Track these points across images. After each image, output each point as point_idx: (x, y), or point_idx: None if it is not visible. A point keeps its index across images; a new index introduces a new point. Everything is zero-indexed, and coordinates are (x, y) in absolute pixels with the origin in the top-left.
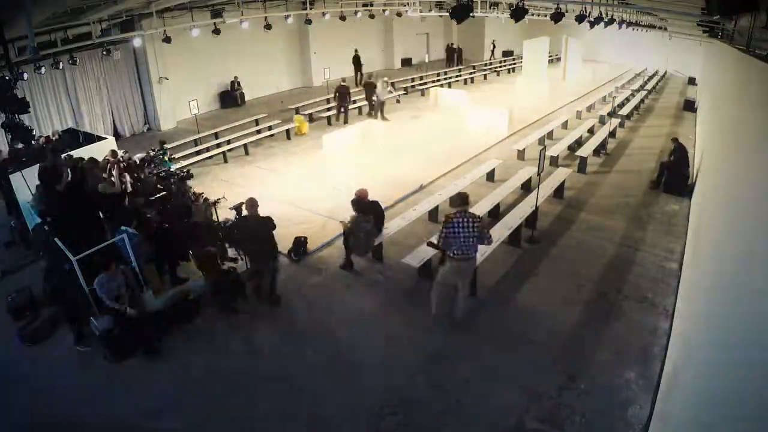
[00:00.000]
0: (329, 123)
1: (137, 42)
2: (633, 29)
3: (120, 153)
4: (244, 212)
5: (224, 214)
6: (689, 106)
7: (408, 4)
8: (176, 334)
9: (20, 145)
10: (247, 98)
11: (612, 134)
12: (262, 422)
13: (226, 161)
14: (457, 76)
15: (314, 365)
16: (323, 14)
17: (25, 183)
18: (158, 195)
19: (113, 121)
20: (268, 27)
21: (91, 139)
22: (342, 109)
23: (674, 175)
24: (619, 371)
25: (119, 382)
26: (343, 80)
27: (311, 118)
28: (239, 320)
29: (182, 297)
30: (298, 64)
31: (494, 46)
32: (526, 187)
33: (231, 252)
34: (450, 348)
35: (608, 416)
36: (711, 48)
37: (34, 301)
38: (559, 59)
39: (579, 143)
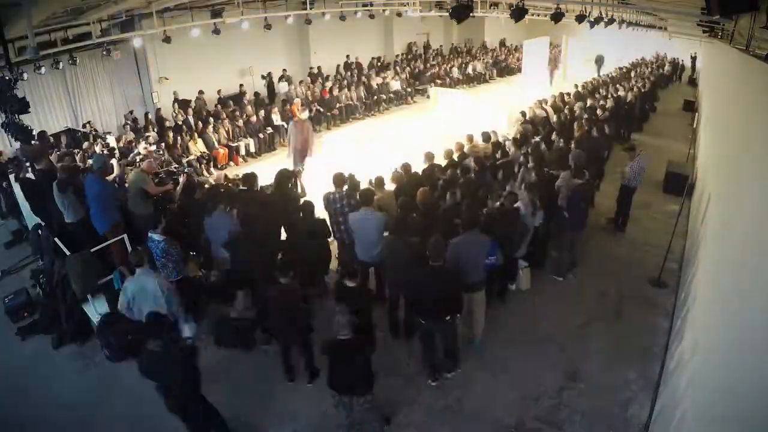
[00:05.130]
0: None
1: (137, 42)
2: (633, 29)
3: None
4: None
5: None
6: (689, 106)
7: (408, 4)
8: None
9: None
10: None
11: None
12: (262, 419)
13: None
14: None
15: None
16: (323, 14)
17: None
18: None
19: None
20: (267, 27)
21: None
22: None
23: (676, 176)
24: (619, 371)
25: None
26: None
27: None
28: None
29: None
30: (298, 64)
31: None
32: None
33: None
34: None
35: (608, 416)
36: (711, 48)
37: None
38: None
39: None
